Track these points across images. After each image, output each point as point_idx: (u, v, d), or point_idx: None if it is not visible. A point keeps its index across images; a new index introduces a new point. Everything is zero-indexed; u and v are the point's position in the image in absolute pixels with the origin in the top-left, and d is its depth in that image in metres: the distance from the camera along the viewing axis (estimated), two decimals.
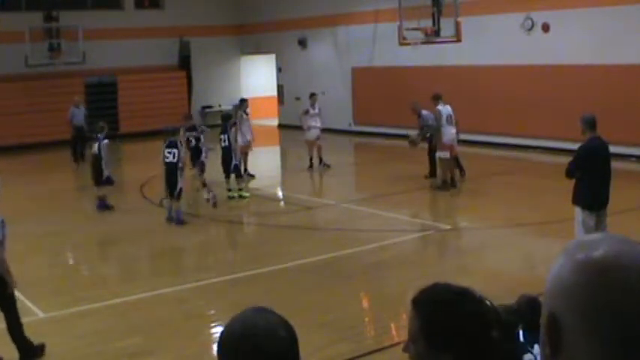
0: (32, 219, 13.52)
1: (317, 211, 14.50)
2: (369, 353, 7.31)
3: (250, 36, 29.18)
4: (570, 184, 8.91)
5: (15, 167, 20.18)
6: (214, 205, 14.23)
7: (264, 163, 20.55)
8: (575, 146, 9.03)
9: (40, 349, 7.26)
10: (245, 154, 16.92)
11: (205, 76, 28.67)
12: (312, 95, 18.79)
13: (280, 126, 28.22)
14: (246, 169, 16.99)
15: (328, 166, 18.44)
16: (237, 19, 29.42)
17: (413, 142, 16.14)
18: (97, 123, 14.89)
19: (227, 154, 14.97)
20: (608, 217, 8.92)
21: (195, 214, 13.97)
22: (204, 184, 14.60)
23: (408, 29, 19.30)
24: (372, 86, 24.15)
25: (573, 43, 18.35)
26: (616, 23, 17.44)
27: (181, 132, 14.06)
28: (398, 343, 6.77)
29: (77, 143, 20.59)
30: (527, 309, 4.43)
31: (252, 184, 16.85)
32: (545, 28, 19.17)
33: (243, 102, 17.46)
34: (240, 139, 15.75)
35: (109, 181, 14.22)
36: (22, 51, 23.68)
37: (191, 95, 28.28)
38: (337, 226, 12.76)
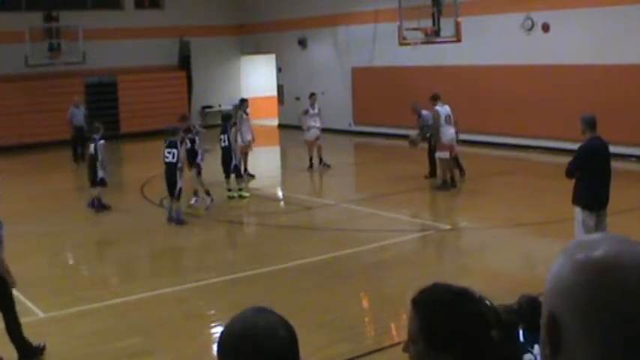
0: (32, 219, 13.53)
1: (317, 211, 14.50)
2: (369, 353, 7.31)
3: (250, 36, 29.19)
4: (570, 184, 8.91)
5: (15, 167, 20.19)
6: (206, 208, 14.15)
7: (264, 163, 20.55)
8: (575, 146, 9.03)
9: (40, 349, 7.25)
10: (245, 155, 16.92)
11: (205, 76, 28.67)
12: (312, 95, 18.78)
13: (280, 126, 28.22)
14: (246, 169, 17.00)
15: (328, 166, 18.44)
16: (237, 19, 29.42)
17: (413, 142, 16.14)
18: (93, 123, 14.89)
19: (227, 154, 14.97)
20: (608, 217, 8.92)
21: (195, 214, 13.97)
22: (206, 190, 14.36)
23: (408, 29, 19.30)
24: (372, 86, 24.15)
25: (573, 43, 18.35)
26: (616, 23, 17.43)
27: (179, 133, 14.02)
28: (398, 343, 6.77)
29: (77, 143, 20.59)
30: (528, 309, 4.43)
31: (252, 184, 16.85)
32: (545, 28, 19.17)
33: (244, 102, 17.46)
34: (239, 139, 15.74)
35: (102, 183, 14.17)
36: (22, 51, 23.68)
37: (191, 95, 28.28)
38: (337, 226, 12.76)
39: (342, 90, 25.26)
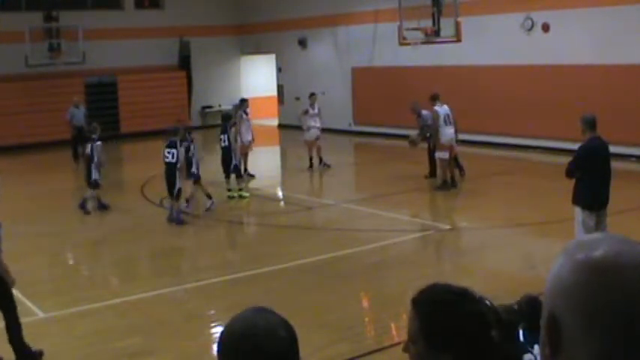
0: (32, 219, 13.53)
1: (317, 211, 14.50)
2: (369, 353, 7.30)
3: (250, 36, 29.18)
4: (570, 184, 8.90)
5: (15, 167, 20.20)
6: (207, 210, 14.05)
7: (264, 163, 20.55)
8: (575, 146, 9.03)
9: (39, 354, 7.21)
10: (245, 155, 16.92)
11: (205, 76, 28.67)
12: (312, 95, 18.78)
13: (280, 126, 28.22)
14: (246, 169, 17.00)
15: (328, 166, 18.44)
16: (237, 19, 29.42)
17: (413, 142, 16.13)
18: (91, 124, 14.84)
19: (227, 154, 14.97)
20: (608, 217, 8.92)
21: (195, 214, 13.97)
22: (207, 194, 14.20)
23: (408, 29, 19.31)
24: (372, 86, 24.15)
25: (573, 43, 18.35)
26: (616, 23, 17.43)
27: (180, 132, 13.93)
28: (398, 343, 6.77)
29: (77, 143, 20.59)
30: (528, 309, 4.42)
31: (252, 184, 16.85)
32: (545, 28, 19.17)
33: (244, 102, 17.46)
34: (239, 139, 15.74)
35: (95, 185, 14.06)
36: (22, 51, 23.68)
37: (191, 95, 28.29)
38: (337, 226, 12.76)
39: (342, 90, 25.25)
